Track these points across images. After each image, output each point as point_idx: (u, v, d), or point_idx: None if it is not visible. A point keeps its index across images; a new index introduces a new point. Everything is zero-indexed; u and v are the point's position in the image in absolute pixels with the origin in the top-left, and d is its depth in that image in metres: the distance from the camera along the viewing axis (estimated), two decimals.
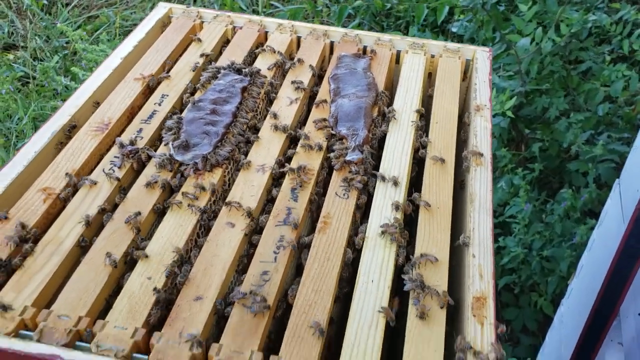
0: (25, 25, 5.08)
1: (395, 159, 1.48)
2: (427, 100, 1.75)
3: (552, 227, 3.28)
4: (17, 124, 4.22)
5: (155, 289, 1.15)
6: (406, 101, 1.66)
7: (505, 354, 1.07)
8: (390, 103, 1.69)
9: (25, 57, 4.70)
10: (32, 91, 4.29)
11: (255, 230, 1.33)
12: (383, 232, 1.28)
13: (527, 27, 3.61)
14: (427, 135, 1.56)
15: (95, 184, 1.36)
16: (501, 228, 3.51)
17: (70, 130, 1.53)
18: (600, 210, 2.21)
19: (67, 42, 4.98)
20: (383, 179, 1.42)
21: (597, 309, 1.72)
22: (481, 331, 1.10)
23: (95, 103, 1.61)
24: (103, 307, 1.17)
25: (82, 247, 1.25)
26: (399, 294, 1.23)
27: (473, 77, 1.78)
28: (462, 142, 1.64)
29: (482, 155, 1.49)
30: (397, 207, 1.34)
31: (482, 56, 1.84)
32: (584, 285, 2.09)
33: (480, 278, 1.20)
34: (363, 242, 1.28)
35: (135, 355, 1.05)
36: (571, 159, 3.64)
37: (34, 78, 4.55)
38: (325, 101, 1.64)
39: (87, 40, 4.35)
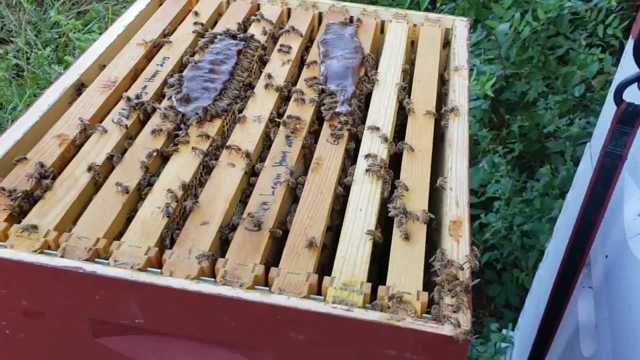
0: (18, 17, 5.17)
1: (381, 111, 1.62)
2: (410, 66, 1.89)
3: (532, 204, 3.43)
4: (10, 114, 4.31)
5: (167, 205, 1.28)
6: (390, 62, 1.80)
7: (478, 264, 1.20)
8: (376, 65, 1.82)
9: (20, 46, 4.78)
10: (27, 79, 4.38)
11: (253, 172, 1.45)
12: (367, 170, 1.41)
13: (507, 14, 3.77)
14: (409, 94, 1.70)
15: (106, 131, 1.48)
16: (484, 207, 3.65)
17: (79, 88, 1.64)
18: None
19: (58, 36, 5.08)
20: (371, 128, 1.55)
21: (567, 256, 1.86)
22: (457, 247, 1.24)
23: (100, 66, 1.73)
24: (117, 234, 1.29)
25: (97, 182, 1.37)
26: (384, 223, 1.36)
27: (452, 43, 1.92)
28: (442, 98, 1.78)
29: (458, 109, 1.63)
30: (385, 140, 1.47)
31: (460, 25, 1.99)
32: (559, 245, 2.23)
33: (456, 206, 1.34)
34: (353, 179, 1.41)
35: (149, 269, 1.17)
36: (550, 141, 3.80)
37: (28, 70, 4.64)
38: (315, 62, 1.77)
39: (80, 31, 4.46)
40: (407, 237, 1.25)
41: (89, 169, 1.36)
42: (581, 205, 1.76)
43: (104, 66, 1.73)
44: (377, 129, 1.54)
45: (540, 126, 3.71)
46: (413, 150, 1.49)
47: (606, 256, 1.81)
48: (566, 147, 3.49)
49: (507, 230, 3.43)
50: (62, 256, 1.17)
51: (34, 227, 1.21)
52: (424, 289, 1.16)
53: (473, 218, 3.59)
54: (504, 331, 3.00)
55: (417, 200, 1.35)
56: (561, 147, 3.55)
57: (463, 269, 1.19)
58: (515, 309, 3.46)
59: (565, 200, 2.63)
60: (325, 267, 1.37)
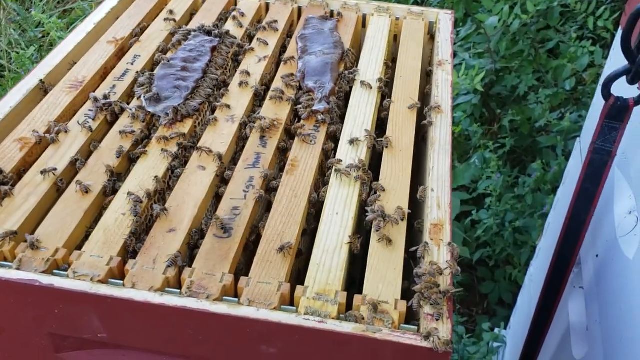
0: (0, 16, 5.07)
1: (361, 109, 1.55)
2: (392, 61, 1.82)
3: (524, 199, 3.37)
4: None
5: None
6: (372, 57, 1.73)
7: (460, 270, 1.14)
8: (356, 60, 1.76)
9: (1, 46, 4.69)
10: (9, 79, 4.29)
11: (224, 175, 1.38)
12: (337, 171, 1.34)
13: (496, 7, 3.70)
14: (391, 90, 1.63)
15: (67, 132, 1.41)
16: (475, 204, 3.59)
17: (46, 89, 1.57)
18: None
19: (42, 36, 4.99)
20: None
21: (558, 255, 1.80)
22: (438, 252, 1.17)
23: (69, 63, 1.66)
24: (79, 242, 1.22)
25: (59, 188, 1.30)
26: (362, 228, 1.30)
27: (436, 37, 1.86)
28: (425, 95, 1.72)
29: (440, 106, 1.56)
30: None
31: (444, 18, 1.92)
32: (550, 243, 2.17)
33: (437, 208, 1.27)
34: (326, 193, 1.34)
35: (111, 280, 1.10)
36: (541, 135, 3.74)
37: (10, 71, 4.56)
38: (292, 58, 1.70)
39: (63, 30, 4.38)
40: (386, 242, 1.19)
41: (42, 172, 1.29)
42: (570, 202, 1.70)
43: (74, 63, 1.66)
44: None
45: (531, 120, 3.65)
46: (391, 147, 1.43)
47: (597, 255, 1.75)
48: (557, 141, 3.43)
49: (499, 227, 3.37)
50: (17, 268, 1.10)
51: None
52: (403, 297, 1.10)
53: (465, 215, 3.53)
54: (496, 330, 2.94)
55: (397, 202, 1.29)
56: (553, 142, 3.49)
57: (443, 274, 1.12)
58: (509, 307, 3.41)
59: (555, 197, 2.57)
60: (301, 273, 1.30)
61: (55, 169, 1.30)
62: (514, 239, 3.36)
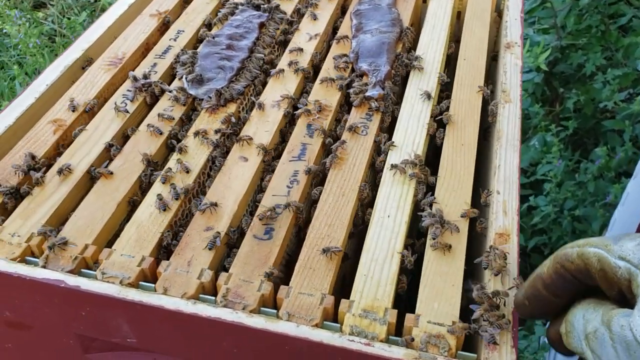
0: None
1: (418, 97, 1.41)
2: (455, 42, 1.67)
3: (585, 187, 3.17)
4: None
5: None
6: (432, 37, 1.58)
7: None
8: (415, 40, 1.61)
9: (54, 12, 4.68)
10: (60, 45, 4.28)
11: (269, 166, 1.28)
12: (393, 167, 1.22)
13: None
14: (453, 73, 1.48)
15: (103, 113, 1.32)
16: (533, 188, 3.41)
17: (85, 65, 1.49)
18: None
19: (95, 0, 4.95)
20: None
21: None
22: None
23: (110, 38, 1.57)
24: (111, 237, 1.14)
25: (92, 176, 1.22)
26: (416, 231, 1.18)
27: (504, 15, 1.69)
28: (491, 80, 1.56)
29: (508, 93, 1.41)
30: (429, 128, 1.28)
31: None
32: None
33: (504, 214, 1.14)
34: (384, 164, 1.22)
35: (142, 283, 1.02)
36: (607, 118, 3.50)
37: (62, 36, 4.55)
38: (346, 37, 1.57)
39: None
40: (437, 246, 1.06)
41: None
42: None
43: (115, 38, 1.56)
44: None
45: (595, 101, 3.41)
46: (452, 124, 1.29)
47: None
48: (625, 125, 3.19)
49: (556, 214, 3.18)
50: (43, 266, 1.03)
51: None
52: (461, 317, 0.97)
53: (521, 200, 3.34)
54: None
55: (457, 206, 1.16)
56: (619, 126, 3.25)
57: (508, 296, 0.99)
58: None
59: (625, 189, 2.38)
60: (347, 277, 1.19)
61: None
62: (572, 228, 3.17)
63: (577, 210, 3.12)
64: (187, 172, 1.21)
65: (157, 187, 1.18)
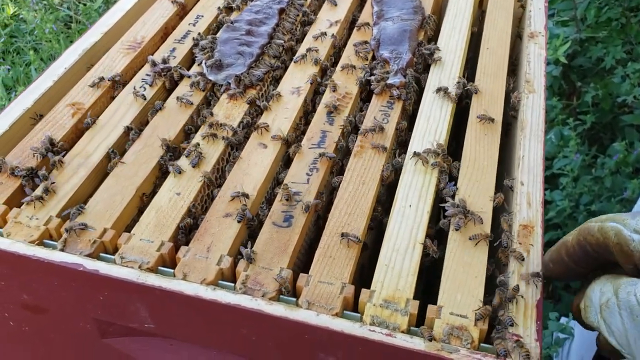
0: None
1: (441, 84, 1.39)
2: (477, 28, 1.64)
3: (602, 182, 3.13)
4: None
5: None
6: (454, 26, 1.56)
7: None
8: (437, 28, 1.58)
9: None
10: (75, 31, 4.28)
11: (287, 152, 1.26)
12: (415, 155, 1.20)
13: None
14: (475, 63, 1.46)
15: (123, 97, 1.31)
16: (548, 183, 3.37)
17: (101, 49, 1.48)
18: None
19: None
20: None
21: None
22: (527, 259, 1.02)
23: (129, 22, 1.55)
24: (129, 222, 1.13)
25: (111, 159, 1.21)
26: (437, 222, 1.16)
27: (527, 4, 1.66)
28: (513, 71, 1.53)
29: (532, 83, 1.38)
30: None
31: None
32: None
33: (528, 206, 1.11)
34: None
35: (160, 268, 1.01)
36: (625, 113, 3.45)
37: (78, 22, 4.55)
38: (367, 24, 1.55)
39: None
40: (459, 229, 1.04)
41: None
42: None
43: (132, 23, 1.55)
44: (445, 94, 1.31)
45: (613, 95, 3.36)
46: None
47: None
48: None
49: (572, 209, 3.15)
50: (62, 249, 1.02)
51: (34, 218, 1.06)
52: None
53: None
54: (563, 320, 2.76)
55: (480, 196, 1.14)
56: (638, 121, 3.21)
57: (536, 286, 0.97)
58: (574, 292, 3.21)
59: None
60: (365, 268, 1.18)
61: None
62: None
63: (593, 206, 3.08)
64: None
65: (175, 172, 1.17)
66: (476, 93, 1.33)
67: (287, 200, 1.11)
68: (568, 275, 0.94)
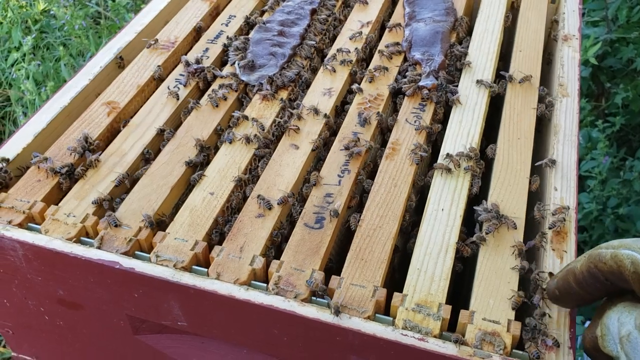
0: None
1: (473, 88, 1.38)
2: (509, 30, 1.63)
3: (631, 185, 3.09)
4: None
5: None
6: (487, 28, 1.55)
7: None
8: (469, 30, 1.57)
9: None
10: (104, 28, 4.33)
11: (320, 154, 1.27)
12: (448, 156, 1.19)
13: None
14: (507, 65, 1.45)
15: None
16: None
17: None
18: None
19: None
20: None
21: None
22: (560, 266, 1.02)
23: (162, 21, 1.57)
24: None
25: (146, 159, 1.22)
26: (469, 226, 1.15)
27: (561, 6, 1.64)
28: (547, 75, 1.52)
29: (566, 87, 1.37)
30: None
31: None
32: None
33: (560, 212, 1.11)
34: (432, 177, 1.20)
35: (194, 267, 1.02)
36: None
37: (106, 18, 4.60)
38: (399, 25, 1.54)
39: None
40: (488, 233, 1.04)
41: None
42: None
43: (166, 22, 1.57)
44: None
45: None
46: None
47: None
48: None
49: (599, 212, 3.11)
50: (98, 247, 1.04)
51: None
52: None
53: None
54: (587, 324, 2.73)
55: (513, 201, 1.13)
56: None
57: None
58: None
59: None
60: (395, 272, 1.18)
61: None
62: (615, 227, 3.09)
63: (621, 209, 3.04)
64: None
65: (209, 172, 1.18)
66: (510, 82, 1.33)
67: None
68: (575, 302, 0.90)
